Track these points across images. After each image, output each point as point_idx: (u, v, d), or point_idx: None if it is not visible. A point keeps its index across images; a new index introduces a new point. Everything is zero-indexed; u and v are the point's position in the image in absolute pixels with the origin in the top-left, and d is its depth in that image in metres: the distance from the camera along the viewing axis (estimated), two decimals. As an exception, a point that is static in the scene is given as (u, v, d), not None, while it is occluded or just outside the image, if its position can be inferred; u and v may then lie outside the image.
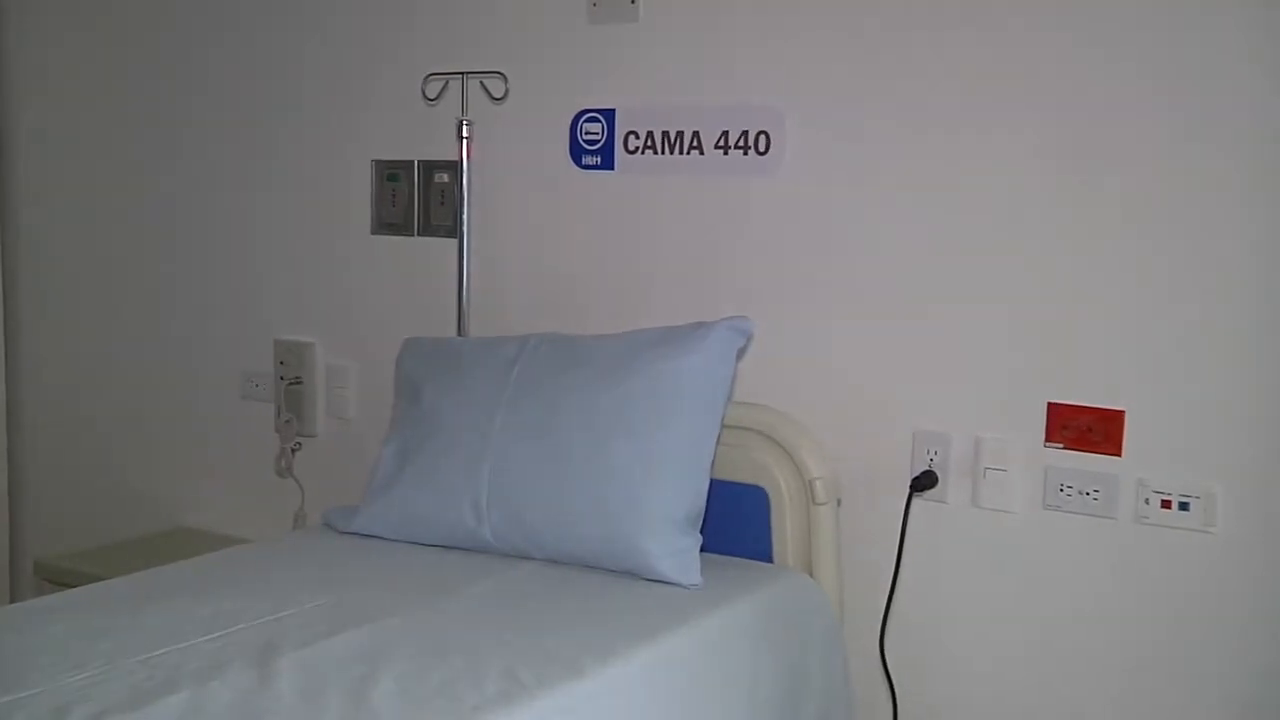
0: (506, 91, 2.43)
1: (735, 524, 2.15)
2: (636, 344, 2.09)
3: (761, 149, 2.24)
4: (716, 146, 2.28)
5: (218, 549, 2.31)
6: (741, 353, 2.11)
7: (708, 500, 2.06)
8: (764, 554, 2.15)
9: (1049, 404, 2.03)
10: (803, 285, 2.22)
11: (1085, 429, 2.00)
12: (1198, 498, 1.93)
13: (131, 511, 3.05)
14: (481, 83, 2.45)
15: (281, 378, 2.80)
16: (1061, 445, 2.02)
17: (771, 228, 2.25)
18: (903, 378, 2.15)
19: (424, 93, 2.49)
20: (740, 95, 2.25)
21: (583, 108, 2.41)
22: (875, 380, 2.17)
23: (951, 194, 2.09)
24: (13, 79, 3.15)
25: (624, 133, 2.37)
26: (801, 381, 2.22)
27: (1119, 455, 1.98)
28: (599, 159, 2.40)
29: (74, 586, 2.07)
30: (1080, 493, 2.01)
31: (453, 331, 2.51)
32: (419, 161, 2.60)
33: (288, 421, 2.78)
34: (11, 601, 3.04)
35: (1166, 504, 1.95)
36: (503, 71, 2.43)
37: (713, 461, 2.07)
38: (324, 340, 2.78)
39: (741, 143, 2.25)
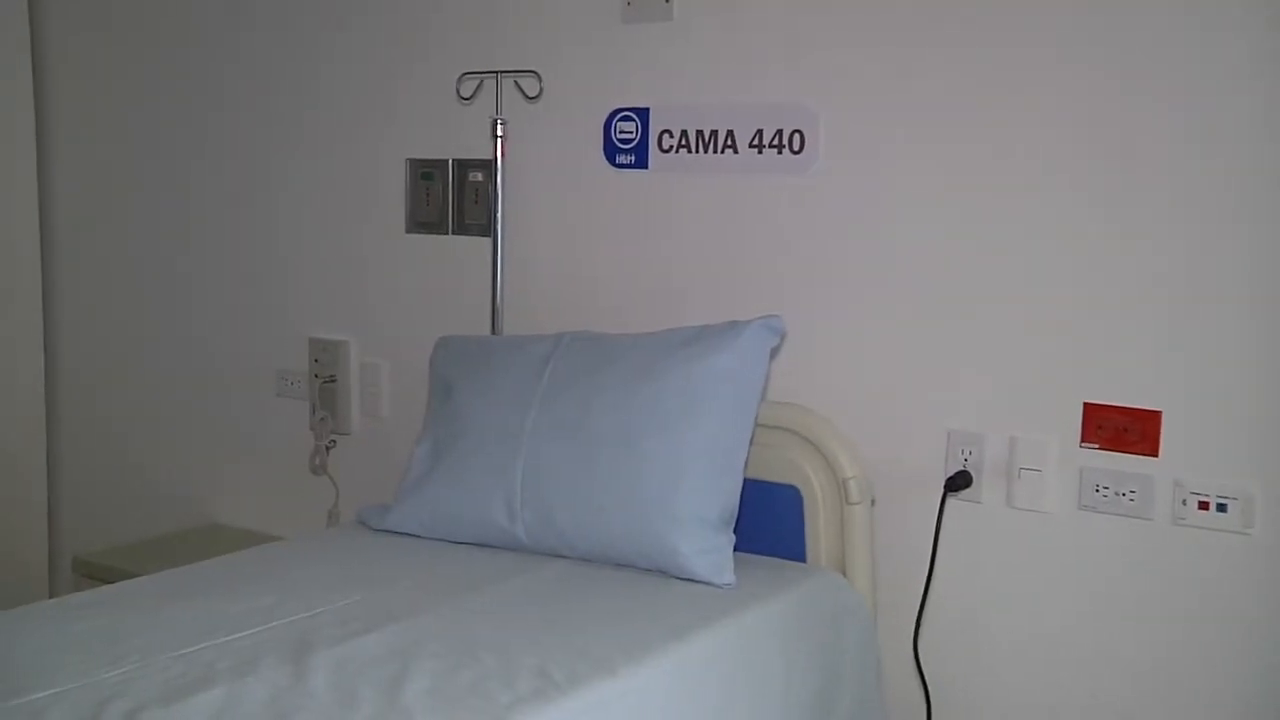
0: (541, 90, 2.44)
1: (769, 523, 2.15)
2: (669, 343, 2.10)
3: (795, 148, 2.23)
4: (750, 145, 2.28)
5: (252, 546, 2.33)
6: (774, 352, 2.11)
7: (741, 500, 2.05)
8: (797, 554, 2.15)
9: (1085, 404, 2.01)
10: (836, 284, 2.22)
11: (1121, 429, 1.98)
12: (1235, 499, 1.91)
13: (167, 508, 3.08)
14: (516, 82, 2.46)
15: (316, 376, 2.82)
16: (1097, 445, 2.01)
17: (805, 227, 2.24)
18: (937, 377, 2.14)
19: (458, 91, 2.51)
20: (774, 94, 2.25)
21: (617, 107, 2.41)
22: (909, 379, 2.16)
23: (986, 192, 2.08)
24: (50, 81, 3.19)
25: (658, 132, 2.37)
26: (835, 380, 2.22)
27: (1155, 456, 1.96)
28: (633, 158, 2.40)
29: (111, 582, 2.09)
30: (1116, 493, 2.00)
31: (486, 330, 2.52)
32: (453, 160, 2.62)
33: (322, 419, 2.79)
34: (51, 596, 3.08)
35: (1204, 505, 1.93)
36: (537, 70, 2.44)
37: (746, 461, 2.07)
38: (358, 339, 2.79)
39: (775, 142, 2.25)
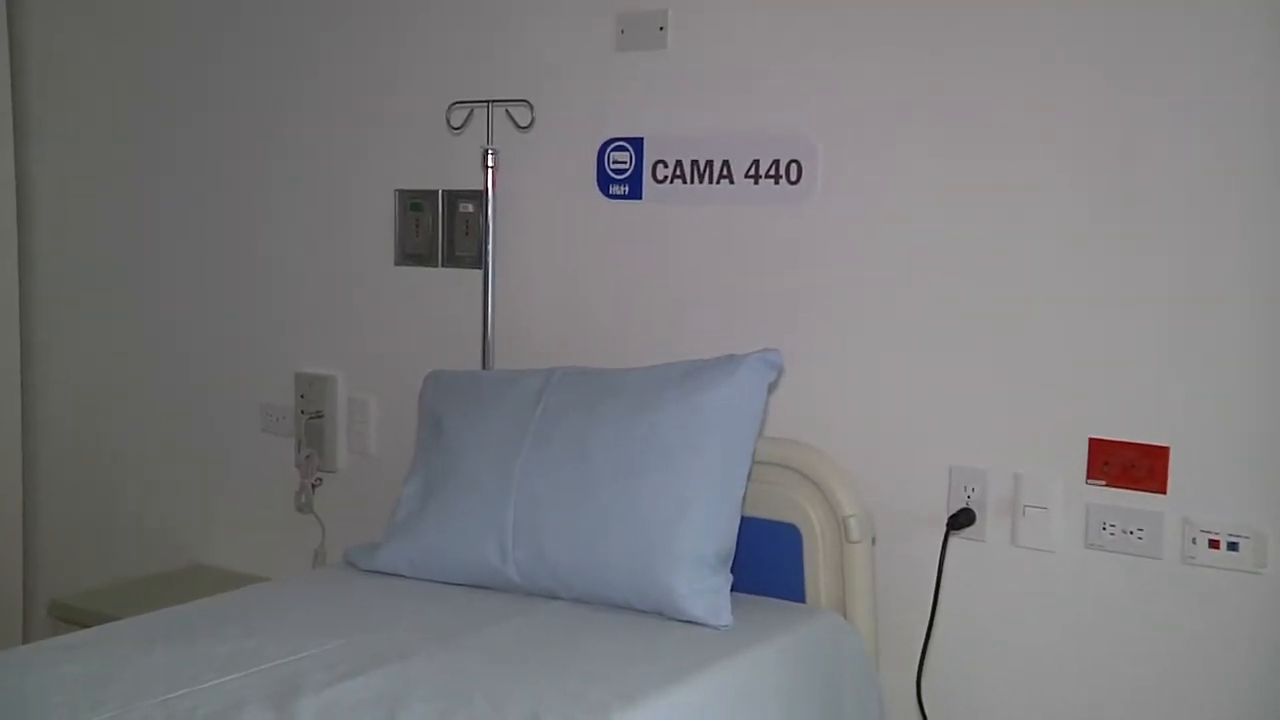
0: (532, 120, 2.44)
1: (767, 563, 2.13)
2: (665, 377, 2.09)
3: (793, 178, 2.23)
4: (747, 176, 2.27)
5: (236, 587, 2.31)
6: (772, 386, 2.10)
7: (738, 538, 2.04)
8: (796, 594, 2.13)
9: (1090, 439, 2.00)
10: (835, 317, 2.21)
11: (1128, 465, 1.97)
12: (1247, 538, 1.90)
13: (147, 549, 3.05)
14: (507, 111, 2.46)
15: (302, 411, 2.80)
16: (1104, 482, 1.99)
17: (803, 259, 2.24)
18: (938, 412, 2.13)
19: (448, 121, 2.50)
20: (771, 124, 2.25)
21: (610, 136, 2.41)
22: (910, 414, 2.15)
23: (987, 225, 2.08)
24: (29, 106, 3.18)
25: (652, 162, 2.37)
26: (834, 416, 2.21)
27: (1164, 493, 1.95)
28: (627, 188, 2.40)
29: (89, 626, 2.06)
30: (1124, 531, 1.98)
31: (477, 364, 2.51)
32: (443, 191, 2.61)
33: (308, 456, 2.77)
34: (24, 642, 3.04)
35: (1214, 544, 1.92)
36: (528, 100, 2.43)
37: (743, 498, 2.05)
38: (345, 373, 2.78)
39: (773, 172, 2.25)
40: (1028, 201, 2.04)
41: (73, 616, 2.69)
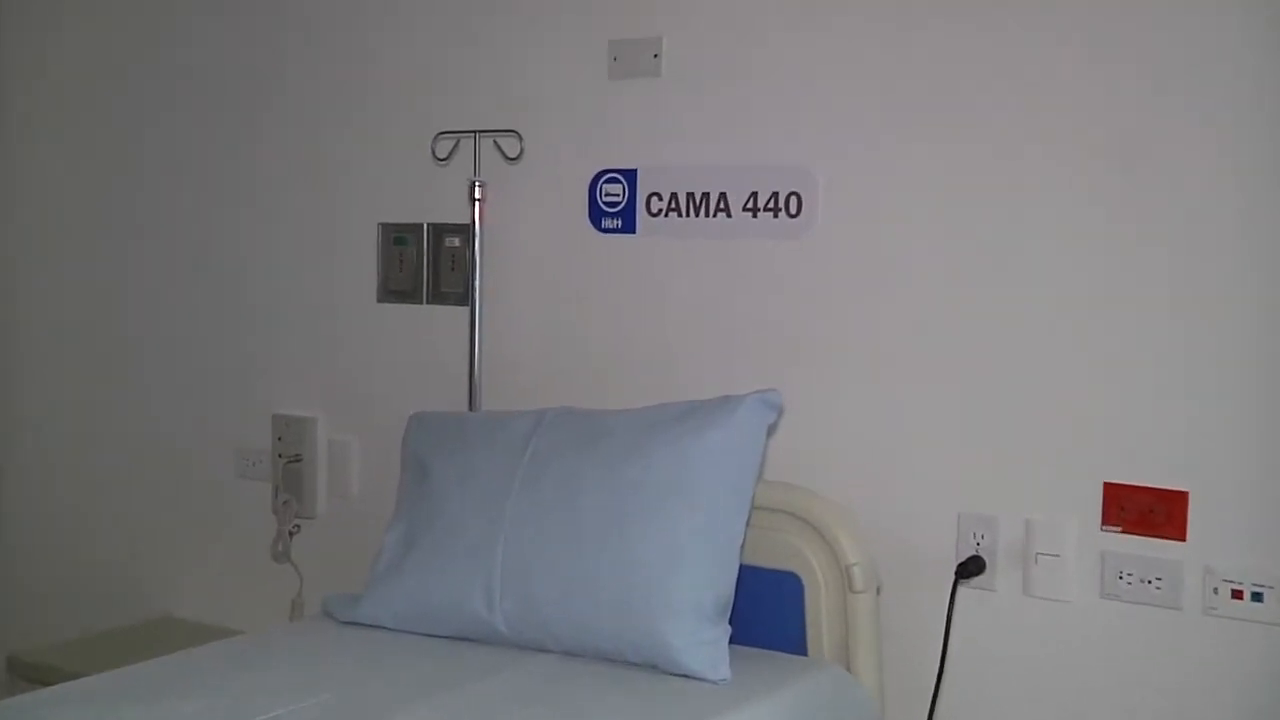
0: (521, 151, 2.46)
1: (766, 613, 2.13)
2: (660, 419, 2.10)
3: (792, 211, 2.26)
4: (745, 209, 2.30)
5: (208, 641, 2.30)
6: (772, 428, 2.11)
7: (737, 588, 2.04)
8: (798, 646, 2.13)
9: (1105, 484, 2.01)
10: (837, 356, 2.23)
11: (1146, 511, 1.98)
12: (1272, 587, 1.90)
13: (116, 600, 3.03)
14: (495, 141, 2.48)
15: (280, 455, 2.80)
16: (1120, 529, 2.01)
17: (803, 294, 2.26)
18: (946, 455, 2.14)
19: (434, 152, 2.53)
20: (770, 155, 2.28)
21: (602, 168, 2.44)
22: (916, 457, 2.16)
23: (995, 258, 2.09)
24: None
25: (646, 194, 2.39)
26: (837, 459, 2.22)
27: (1183, 540, 1.96)
28: (620, 222, 2.42)
29: (51, 684, 2.06)
30: (1141, 581, 1.99)
31: (463, 406, 2.52)
32: (428, 224, 2.63)
33: (286, 502, 2.78)
34: (-15, 697, 3.02)
35: (1237, 594, 1.92)
36: (517, 130, 2.46)
37: (742, 545, 2.06)
38: (326, 415, 2.79)
39: (771, 205, 2.27)
40: (1040, 235, 2.06)
41: (34, 674, 2.67)
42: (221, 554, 2.93)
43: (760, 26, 2.29)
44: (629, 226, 2.41)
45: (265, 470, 2.84)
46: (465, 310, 2.53)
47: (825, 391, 2.23)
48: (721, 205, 2.32)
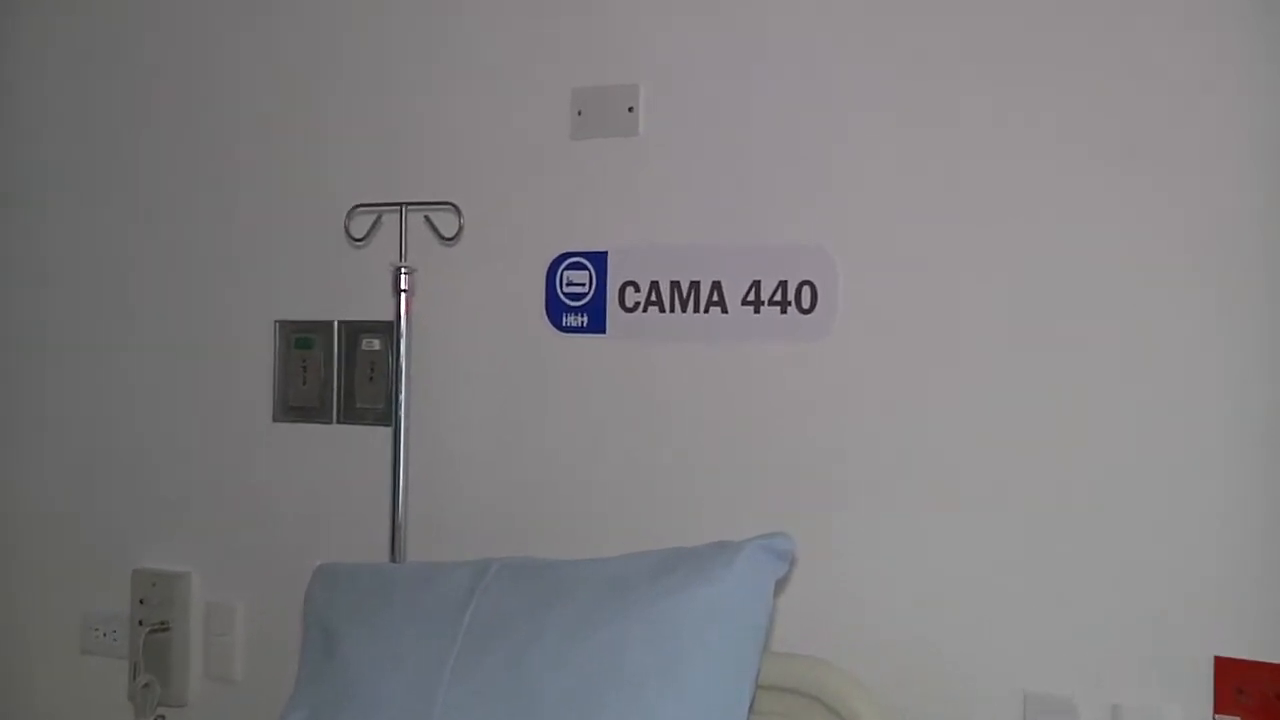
0: (460, 228, 2.47)
1: (778, 829, 2.10)
2: (636, 572, 2.07)
3: (805, 305, 2.27)
4: (745, 302, 2.31)
5: None
6: (781, 583, 2.08)
7: (739, 796, 2.01)
8: None
9: (1216, 658, 2.00)
10: (862, 489, 2.22)
11: (1272, 696, 1.97)
12: None
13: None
14: (426, 217, 2.49)
15: (141, 622, 2.77)
16: (1238, 718, 1.99)
17: (820, 413, 2.26)
18: (1005, 617, 2.13)
19: (348, 230, 2.53)
20: (777, 233, 2.29)
21: (563, 250, 2.45)
22: (969, 623, 2.15)
23: (1065, 369, 2.10)
24: None
25: (619, 284, 2.41)
26: (864, 624, 2.21)
27: (1320, 731, 1.95)
28: (585, 318, 2.43)
29: None
30: (1267, 785, 1.98)
31: (384, 555, 2.49)
32: (339, 323, 2.64)
33: (146, 685, 2.74)
34: None
35: (1387, 800, 1.91)
36: (454, 202, 2.47)
37: (745, 738, 2.03)
38: (202, 569, 2.77)
39: (778, 297, 2.29)
40: (1133, 334, 2.07)
41: None
42: (61, 754, 2.89)
43: (761, 69, 2.32)
44: (597, 325, 2.42)
45: (121, 643, 2.82)
46: (387, 431, 2.52)
47: (849, 537, 2.23)
48: (715, 297, 2.33)
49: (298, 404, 2.68)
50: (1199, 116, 2.02)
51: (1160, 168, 2.05)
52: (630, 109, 2.40)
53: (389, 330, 2.53)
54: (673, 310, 2.37)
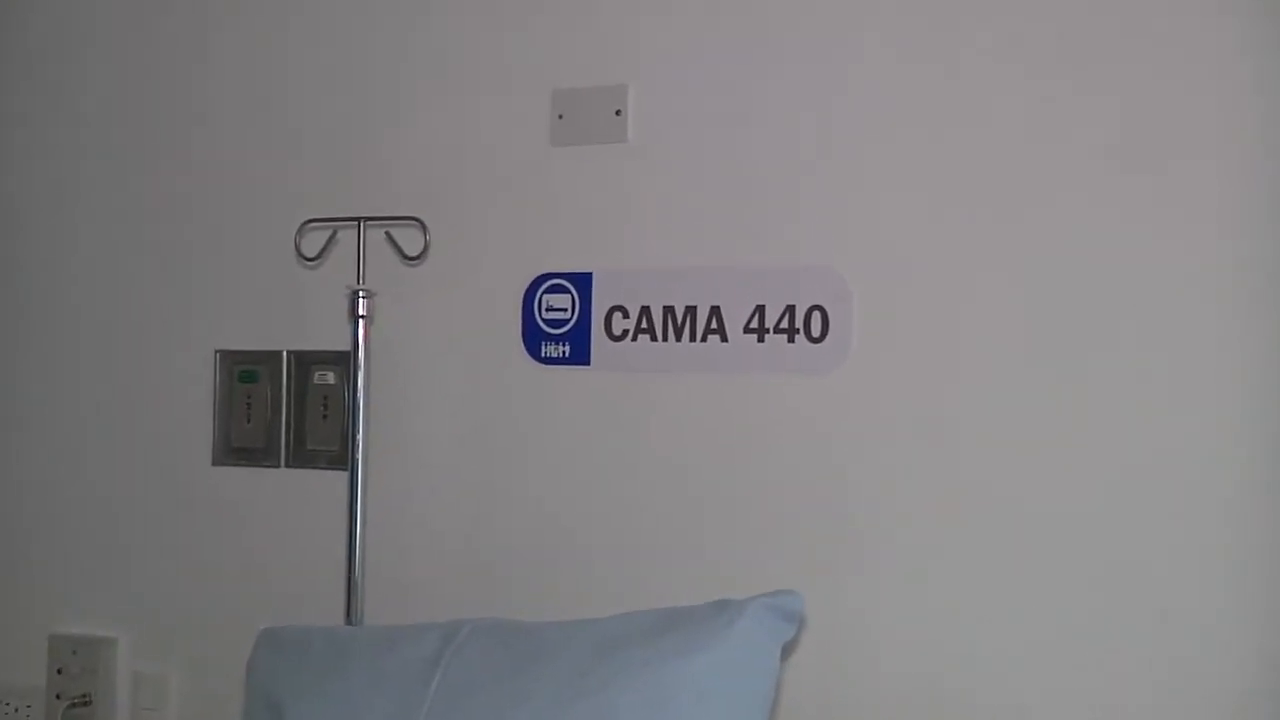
0: (426, 246, 2.45)
1: None
2: (626, 635, 2.06)
3: (815, 333, 2.26)
4: (747, 329, 2.31)
5: None
6: (789, 647, 2.08)
7: None
8: None
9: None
10: (884, 544, 2.22)
11: None
12: None
13: None
14: (388, 233, 2.48)
15: (59, 696, 2.77)
16: None
17: (833, 453, 2.25)
18: (1062, 689, 2.11)
19: (298, 249, 2.52)
20: (783, 252, 2.30)
21: (543, 271, 2.45)
22: (1008, 691, 2.14)
23: (1111, 398, 2.10)
24: None
25: (605, 309, 2.40)
26: (885, 693, 2.20)
27: None
28: (567, 348, 2.43)
29: None
30: None
31: (339, 618, 2.47)
32: (289, 353, 2.64)
33: (66, 767, 2.73)
34: None
35: None
36: (420, 217, 2.46)
37: (750, 831, 2.02)
38: (130, 634, 2.76)
39: (785, 324, 2.28)
40: (1167, 358, 2.07)
41: None
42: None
43: (764, 68, 2.32)
44: (580, 355, 2.42)
45: None
46: (343, 476, 2.49)
47: (868, 595, 2.22)
48: (714, 324, 2.33)
49: (241, 445, 2.68)
50: (1207, 119, 2.04)
51: (1185, 176, 2.07)
52: (618, 112, 2.40)
53: (345, 361, 2.51)
54: (666, 339, 2.37)
